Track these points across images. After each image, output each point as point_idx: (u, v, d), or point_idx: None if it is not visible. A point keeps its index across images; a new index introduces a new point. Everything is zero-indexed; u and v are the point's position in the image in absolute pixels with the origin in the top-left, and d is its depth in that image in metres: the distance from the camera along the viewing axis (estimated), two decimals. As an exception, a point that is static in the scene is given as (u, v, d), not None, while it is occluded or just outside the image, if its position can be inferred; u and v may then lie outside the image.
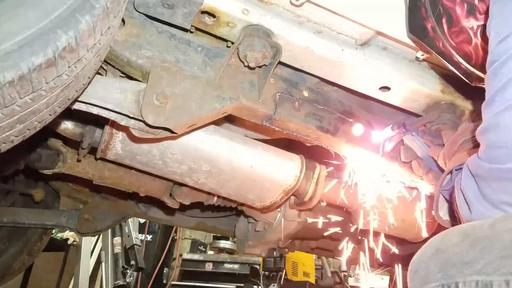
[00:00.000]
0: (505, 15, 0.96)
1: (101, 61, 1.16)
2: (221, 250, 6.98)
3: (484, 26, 1.06)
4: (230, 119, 1.90)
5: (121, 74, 1.57)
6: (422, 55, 1.59)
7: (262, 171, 1.86)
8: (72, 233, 4.82)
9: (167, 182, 2.17)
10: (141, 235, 5.54)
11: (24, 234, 2.90)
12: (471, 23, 1.25)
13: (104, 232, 4.93)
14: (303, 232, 2.47)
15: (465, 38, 1.29)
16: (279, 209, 2.32)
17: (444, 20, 1.29)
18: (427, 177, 1.79)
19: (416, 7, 1.35)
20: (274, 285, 4.96)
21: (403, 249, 2.71)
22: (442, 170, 1.61)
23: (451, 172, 1.33)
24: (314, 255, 5.53)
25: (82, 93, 1.29)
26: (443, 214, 1.42)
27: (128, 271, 4.92)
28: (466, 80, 1.43)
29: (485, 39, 1.02)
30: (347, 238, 2.55)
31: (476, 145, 1.01)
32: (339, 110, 1.79)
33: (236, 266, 6.15)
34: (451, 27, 1.29)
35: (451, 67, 1.41)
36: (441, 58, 1.40)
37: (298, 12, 1.48)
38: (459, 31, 1.28)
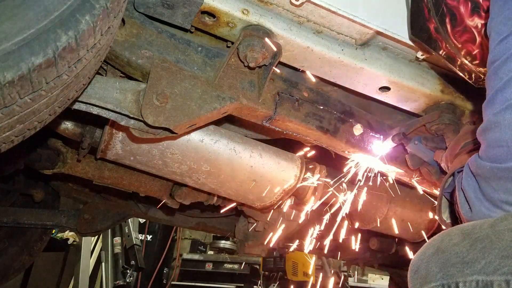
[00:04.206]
0: (505, 15, 0.96)
1: (101, 61, 1.15)
2: (221, 250, 6.98)
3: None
4: (230, 119, 1.90)
5: (121, 74, 1.57)
6: (422, 55, 1.59)
7: (262, 171, 1.86)
8: (72, 233, 4.82)
9: (167, 182, 2.17)
10: (141, 235, 5.54)
11: (24, 234, 2.90)
12: (476, 22, 1.24)
13: (104, 232, 4.94)
14: (303, 232, 2.47)
15: (469, 38, 1.28)
16: (279, 209, 2.32)
17: (447, 20, 1.28)
18: (440, 182, 1.78)
19: (418, 8, 1.35)
20: (274, 285, 4.96)
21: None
22: (445, 173, 1.60)
23: (453, 174, 1.33)
24: (314, 255, 5.53)
25: (82, 93, 1.29)
26: (446, 217, 1.41)
27: (128, 271, 4.92)
28: (470, 82, 1.42)
29: (488, 38, 1.02)
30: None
31: (477, 147, 1.00)
32: (339, 110, 1.79)
33: (236, 266, 6.15)
34: (455, 26, 1.28)
35: (454, 69, 1.41)
36: (445, 60, 1.39)
37: (298, 12, 1.48)
38: (463, 30, 1.27)
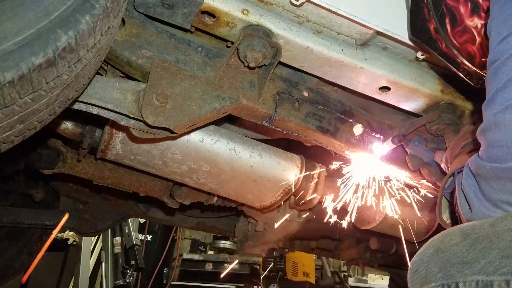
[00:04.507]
0: (505, 15, 0.96)
1: (101, 61, 1.15)
2: (221, 250, 6.98)
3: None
4: (230, 119, 1.90)
5: (121, 74, 1.57)
6: (422, 55, 1.59)
7: (262, 171, 1.86)
8: (72, 233, 4.82)
9: (167, 182, 2.17)
10: (141, 235, 5.53)
11: (24, 234, 2.90)
12: (475, 22, 1.24)
13: (104, 232, 4.93)
14: (303, 232, 2.47)
15: (469, 38, 1.28)
16: (279, 209, 2.33)
17: (447, 20, 1.28)
18: (441, 183, 1.78)
19: (418, 8, 1.35)
20: (274, 285, 4.96)
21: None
22: (446, 174, 1.60)
23: (453, 174, 1.33)
24: (314, 255, 5.54)
25: (82, 93, 1.30)
26: (446, 217, 1.41)
27: (128, 271, 4.91)
28: (469, 82, 1.42)
29: (488, 38, 1.02)
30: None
31: (477, 148, 1.01)
32: (339, 110, 1.79)
33: (236, 266, 6.14)
34: (455, 27, 1.28)
35: (454, 69, 1.41)
36: (444, 60, 1.39)
37: (297, 12, 1.48)
38: (463, 30, 1.27)
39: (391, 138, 1.75)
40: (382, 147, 1.80)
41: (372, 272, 7.48)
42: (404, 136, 1.73)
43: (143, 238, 5.58)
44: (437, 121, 1.77)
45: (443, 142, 1.76)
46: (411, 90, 1.71)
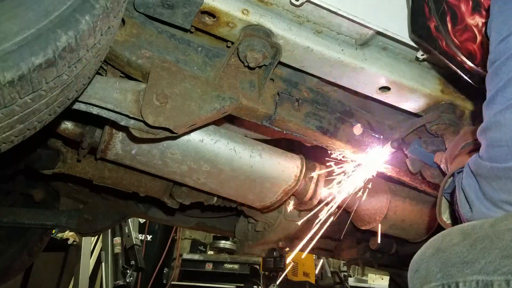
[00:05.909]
0: (506, 14, 0.96)
1: (101, 61, 1.15)
2: (221, 250, 6.98)
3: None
4: (230, 119, 1.90)
5: (121, 74, 1.57)
6: (422, 55, 1.59)
7: (262, 171, 1.86)
8: (72, 233, 4.82)
9: (167, 182, 2.17)
10: (141, 235, 5.53)
11: (24, 234, 2.90)
12: (476, 20, 1.24)
13: (104, 232, 4.93)
14: (303, 232, 2.47)
15: (470, 36, 1.28)
16: (279, 209, 2.32)
17: (448, 18, 1.28)
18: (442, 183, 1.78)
19: (419, 6, 1.34)
20: (274, 285, 4.96)
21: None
22: (445, 175, 1.60)
23: (452, 175, 1.33)
24: (314, 255, 5.53)
25: (82, 93, 1.30)
26: (446, 217, 1.41)
27: (128, 271, 4.91)
28: (470, 81, 1.42)
29: (488, 38, 1.02)
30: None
31: (477, 148, 1.01)
32: (339, 110, 1.79)
33: (236, 266, 6.14)
34: (456, 25, 1.27)
35: (454, 68, 1.40)
36: (444, 59, 1.39)
37: (297, 12, 1.48)
38: (464, 29, 1.27)
39: (390, 142, 1.75)
40: (382, 151, 1.80)
41: (372, 272, 7.48)
42: (403, 140, 1.73)
43: (143, 238, 5.58)
44: (437, 121, 1.77)
45: (443, 144, 1.76)
46: (411, 90, 1.71)
